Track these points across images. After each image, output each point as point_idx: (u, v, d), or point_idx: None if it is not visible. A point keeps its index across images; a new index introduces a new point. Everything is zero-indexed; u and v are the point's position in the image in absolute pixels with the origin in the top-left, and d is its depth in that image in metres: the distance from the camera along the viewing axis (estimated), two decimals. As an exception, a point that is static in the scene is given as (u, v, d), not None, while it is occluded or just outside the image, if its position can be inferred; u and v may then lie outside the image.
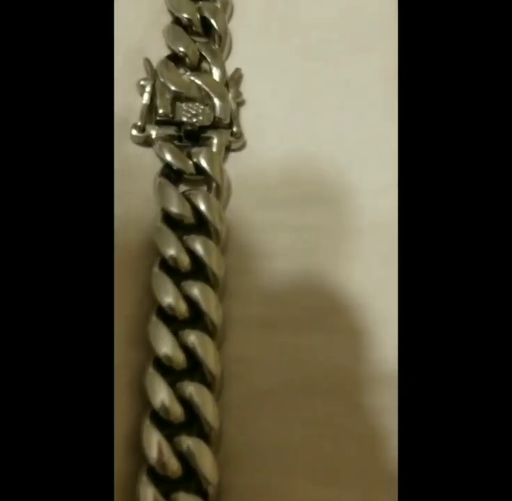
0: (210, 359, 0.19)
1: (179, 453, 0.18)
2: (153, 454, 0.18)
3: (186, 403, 0.19)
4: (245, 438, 0.20)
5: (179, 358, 0.19)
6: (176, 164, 0.22)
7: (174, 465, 0.18)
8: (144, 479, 0.18)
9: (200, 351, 0.19)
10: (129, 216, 0.22)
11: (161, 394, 0.19)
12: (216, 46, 0.24)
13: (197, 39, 0.24)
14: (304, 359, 0.21)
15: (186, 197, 0.21)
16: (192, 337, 0.20)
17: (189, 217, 0.21)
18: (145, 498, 0.18)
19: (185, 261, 0.20)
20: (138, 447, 0.19)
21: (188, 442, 0.19)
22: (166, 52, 0.23)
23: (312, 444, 0.20)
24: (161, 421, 0.19)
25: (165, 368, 0.19)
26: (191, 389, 0.19)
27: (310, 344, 0.21)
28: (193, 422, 0.19)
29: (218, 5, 0.24)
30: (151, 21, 0.24)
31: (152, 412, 0.19)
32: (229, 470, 0.19)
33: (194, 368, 0.20)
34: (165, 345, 0.19)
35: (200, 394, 0.19)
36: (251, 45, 0.25)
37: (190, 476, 0.19)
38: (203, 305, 0.20)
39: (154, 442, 0.18)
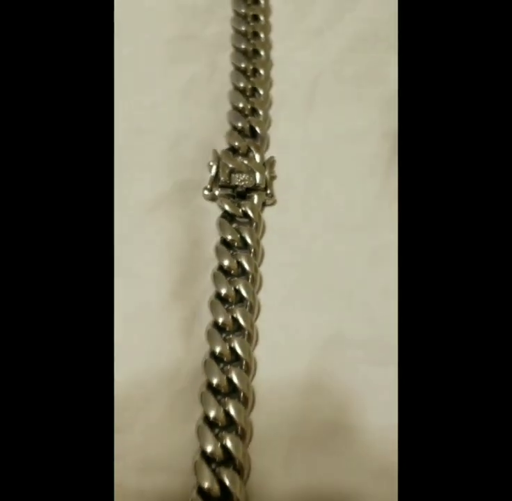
0: None
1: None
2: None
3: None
4: None
5: None
6: (231, 210, 0.34)
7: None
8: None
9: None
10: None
11: None
12: (258, 143, 0.37)
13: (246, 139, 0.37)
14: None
15: (237, 229, 0.33)
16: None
17: (238, 241, 0.33)
18: None
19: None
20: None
21: None
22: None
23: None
24: None
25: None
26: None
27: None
28: None
29: (261, 119, 0.38)
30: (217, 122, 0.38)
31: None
32: None
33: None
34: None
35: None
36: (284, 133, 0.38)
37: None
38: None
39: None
